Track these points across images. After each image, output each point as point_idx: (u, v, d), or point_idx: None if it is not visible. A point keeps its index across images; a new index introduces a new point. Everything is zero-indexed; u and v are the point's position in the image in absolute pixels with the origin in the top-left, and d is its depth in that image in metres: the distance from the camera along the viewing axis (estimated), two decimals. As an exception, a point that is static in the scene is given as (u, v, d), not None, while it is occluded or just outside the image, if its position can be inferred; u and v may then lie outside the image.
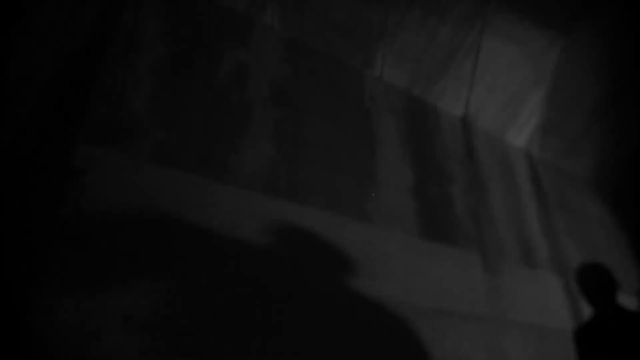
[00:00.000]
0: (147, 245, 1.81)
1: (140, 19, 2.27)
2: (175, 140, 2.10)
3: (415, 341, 2.43)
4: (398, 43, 3.33)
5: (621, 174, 4.98)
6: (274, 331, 1.96)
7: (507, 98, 4.00)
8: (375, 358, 2.24)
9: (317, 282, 2.20)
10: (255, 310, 1.95)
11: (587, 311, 3.62)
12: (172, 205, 1.95)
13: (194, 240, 1.94)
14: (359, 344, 2.21)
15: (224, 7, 2.67)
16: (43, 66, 1.85)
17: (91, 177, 1.78)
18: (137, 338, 1.64)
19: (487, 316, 2.84)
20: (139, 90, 2.10)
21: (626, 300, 4.14)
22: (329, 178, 2.57)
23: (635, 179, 5.03)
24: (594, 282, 1.99)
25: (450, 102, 3.73)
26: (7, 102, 1.70)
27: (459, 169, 3.42)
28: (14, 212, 1.56)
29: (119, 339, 1.60)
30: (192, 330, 1.77)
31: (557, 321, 3.29)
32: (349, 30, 3.14)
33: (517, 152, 4.15)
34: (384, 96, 3.27)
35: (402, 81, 3.44)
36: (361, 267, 2.42)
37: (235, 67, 2.52)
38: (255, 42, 2.70)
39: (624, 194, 5.04)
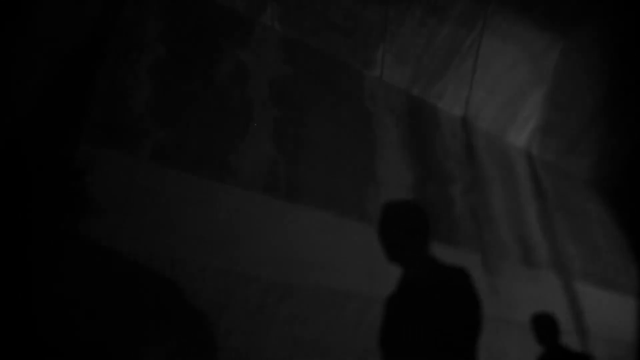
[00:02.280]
0: (147, 245, 1.80)
1: (140, 19, 2.27)
2: (175, 140, 2.10)
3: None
4: (398, 43, 3.33)
5: (621, 174, 4.98)
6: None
7: (507, 98, 4.00)
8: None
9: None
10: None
11: (588, 311, 3.63)
12: (172, 205, 1.94)
13: (194, 240, 1.93)
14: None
15: (224, 7, 2.67)
16: (43, 66, 1.85)
17: (91, 177, 1.78)
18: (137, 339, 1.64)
19: (487, 316, 2.84)
20: (139, 90, 2.10)
21: (626, 300, 4.14)
22: (329, 178, 2.56)
23: (635, 179, 5.03)
24: (401, 225, 1.32)
25: (450, 102, 3.73)
26: (7, 102, 1.70)
27: (459, 169, 3.42)
28: (14, 212, 1.56)
29: (119, 339, 1.60)
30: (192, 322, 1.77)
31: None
32: (349, 30, 3.14)
33: (517, 152, 4.15)
34: (384, 96, 3.27)
35: (402, 81, 3.44)
36: (361, 266, 2.42)
37: (235, 67, 2.52)
38: (255, 42, 2.70)
39: (624, 194, 5.04)
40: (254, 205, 2.19)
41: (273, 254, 2.13)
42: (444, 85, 3.64)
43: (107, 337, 1.57)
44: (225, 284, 1.92)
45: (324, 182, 2.53)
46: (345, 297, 2.27)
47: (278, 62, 2.76)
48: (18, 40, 1.81)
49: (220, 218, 2.05)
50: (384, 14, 3.21)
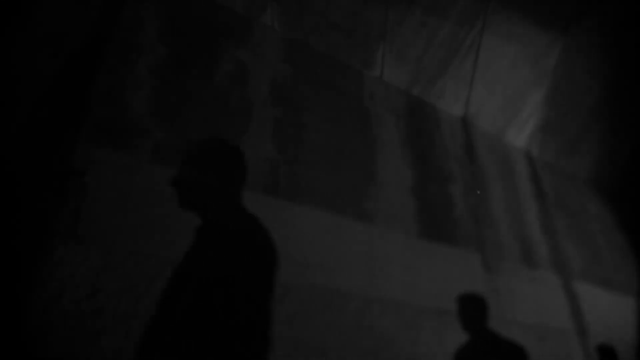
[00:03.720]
0: (147, 245, 1.81)
1: (140, 19, 2.27)
2: (175, 140, 2.10)
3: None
4: (398, 43, 3.33)
5: (621, 174, 4.98)
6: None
7: (507, 98, 4.00)
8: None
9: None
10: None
11: (588, 310, 3.63)
12: (172, 206, 1.94)
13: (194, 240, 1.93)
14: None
15: (224, 7, 2.67)
16: (43, 66, 1.85)
17: (91, 177, 1.78)
18: (138, 340, 1.64)
19: (488, 316, 2.84)
20: (139, 90, 2.10)
21: (626, 300, 4.14)
22: (328, 178, 2.57)
23: (635, 179, 5.03)
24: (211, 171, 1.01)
25: (450, 102, 3.73)
26: (7, 102, 1.70)
27: (459, 169, 3.42)
28: (14, 212, 1.56)
29: (118, 339, 1.60)
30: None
31: (556, 321, 3.29)
32: (349, 30, 3.14)
33: (517, 152, 4.15)
34: (384, 96, 3.27)
35: (402, 81, 3.44)
36: (361, 266, 2.42)
37: (235, 67, 2.52)
38: (255, 42, 2.70)
39: (624, 194, 5.05)
40: (253, 205, 2.19)
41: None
42: (444, 85, 3.64)
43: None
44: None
45: (324, 182, 2.53)
46: (345, 297, 2.27)
47: (278, 62, 2.76)
48: (18, 41, 1.81)
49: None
50: (384, 14, 3.21)
